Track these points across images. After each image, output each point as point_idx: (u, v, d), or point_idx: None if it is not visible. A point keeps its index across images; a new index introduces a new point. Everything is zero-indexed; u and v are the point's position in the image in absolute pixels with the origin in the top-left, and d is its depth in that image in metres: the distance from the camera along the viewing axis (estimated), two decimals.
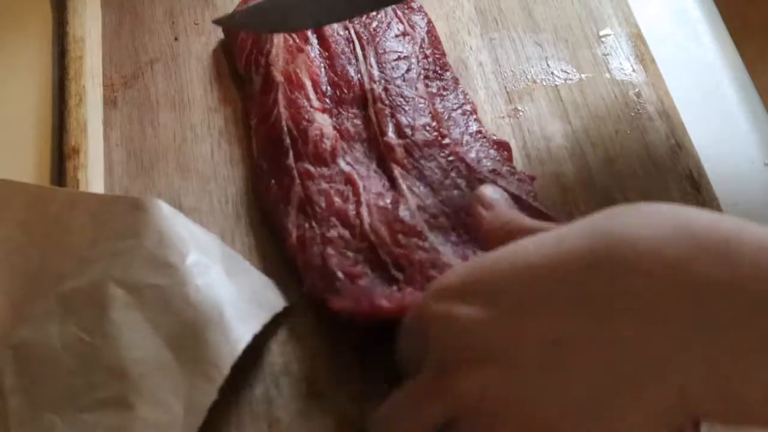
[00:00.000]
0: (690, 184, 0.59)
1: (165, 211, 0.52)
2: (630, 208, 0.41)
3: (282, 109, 0.58)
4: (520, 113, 0.63)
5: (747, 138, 0.63)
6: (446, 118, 0.59)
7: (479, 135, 0.59)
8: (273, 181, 0.57)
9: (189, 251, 0.50)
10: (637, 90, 0.64)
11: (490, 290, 0.42)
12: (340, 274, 0.52)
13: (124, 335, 0.48)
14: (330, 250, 0.53)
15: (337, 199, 0.55)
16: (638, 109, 0.63)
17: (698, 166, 0.60)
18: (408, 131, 0.58)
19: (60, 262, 0.51)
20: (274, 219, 0.56)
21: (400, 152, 0.57)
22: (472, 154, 0.57)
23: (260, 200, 0.58)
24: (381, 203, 0.55)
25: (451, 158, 0.57)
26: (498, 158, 0.58)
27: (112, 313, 0.48)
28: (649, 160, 0.60)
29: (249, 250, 0.56)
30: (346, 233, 0.53)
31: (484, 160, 0.57)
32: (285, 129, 0.58)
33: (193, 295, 0.49)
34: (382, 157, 0.57)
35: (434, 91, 0.60)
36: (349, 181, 0.56)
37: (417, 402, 0.43)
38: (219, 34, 0.66)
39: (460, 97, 0.61)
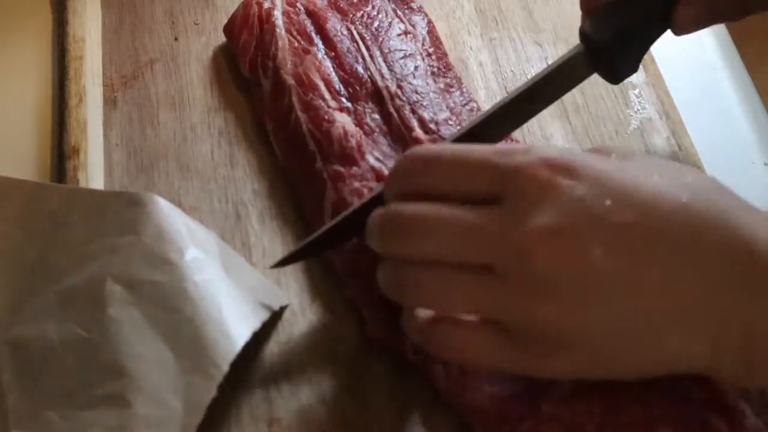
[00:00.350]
0: None
1: (163, 207, 0.52)
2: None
3: (299, 113, 0.58)
4: None
5: (747, 138, 0.63)
6: (458, 113, 0.59)
7: None
8: (305, 190, 0.57)
9: (187, 247, 0.50)
10: (637, 90, 0.64)
11: (603, 206, 0.42)
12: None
13: (122, 332, 0.48)
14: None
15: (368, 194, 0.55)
16: (638, 109, 0.63)
17: (698, 166, 0.60)
18: (433, 126, 0.57)
19: (58, 259, 0.51)
20: (313, 226, 0.56)
21: None
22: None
23: (299, 211, 0.58)
24: None
25: None
26: None
27: (110, 309, 0.48)
28: None
29: (249, 250, 0.56)
30: None
31: None
32: (307, 133, 0.57)
33: (192, 291, 0.49)
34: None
35: (442, 87, 0.61)
36: (380, 177, 0.55)
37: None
38: (219, 34, 0.66)
39: (465, 95, 0.61)
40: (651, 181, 0.43)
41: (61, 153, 0.59)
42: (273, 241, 0.56)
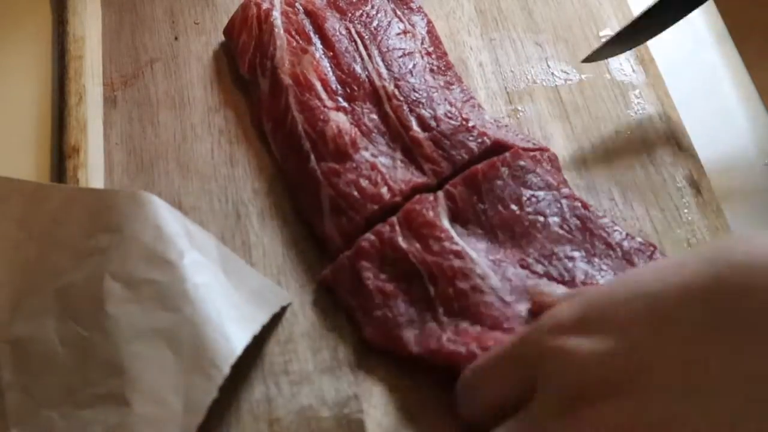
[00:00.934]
0: (690, 184, 0.59)
1: (162, 208, 0.52)
2: (748, 237, 0.42)
3: (296, 113, 0.58)
4: (520, 113, 0.63)
5: (747, 138, 0.63)
6: (460, 107, 0.59)
7: (497, 122, 0.59)
8: (301, 189, 0.57)
9: (187, 249, 0.50)
10: (637, 90, 0.64)
11: (612, 321, 0.42)
12: (374, 294, 0.52)
13: (121, 329, 0.48)
14: (365, 263, 0.53)
15: (365, 183, 0.55)
16: (638, 110, 0.63)
17: (698, 166, 0.60)
18: (432, 123, 0.57)
19: (57, 257, 0.51)
20: (314, 224, 0.56)
21: (428, 146, 0.57)
22: (501, 135, 0.58)
23: (300, 213, 0.58)
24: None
25: (480, 140, 0.57)
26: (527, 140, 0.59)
27: (108, 307, 0.48)
28: (649, 160, 0.60)
29: (249, 249, 0.56)
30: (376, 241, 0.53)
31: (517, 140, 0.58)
32: (302, 134, 0.57)
33: (191, 292, 0.49)
34: (407, 148, 0.57)
35: (441, 84, 0.60)
36: (374, 167, 0.56)
37: None
38: (219, 34, 0.66)
39: (466, 91, 0.61)
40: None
41: (61, 152, 0.59)
42: (273, 241, 0.56)
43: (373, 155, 0.56)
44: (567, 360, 0.42)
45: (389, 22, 0.63)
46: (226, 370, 0.47)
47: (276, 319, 0.53)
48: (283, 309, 0.53)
